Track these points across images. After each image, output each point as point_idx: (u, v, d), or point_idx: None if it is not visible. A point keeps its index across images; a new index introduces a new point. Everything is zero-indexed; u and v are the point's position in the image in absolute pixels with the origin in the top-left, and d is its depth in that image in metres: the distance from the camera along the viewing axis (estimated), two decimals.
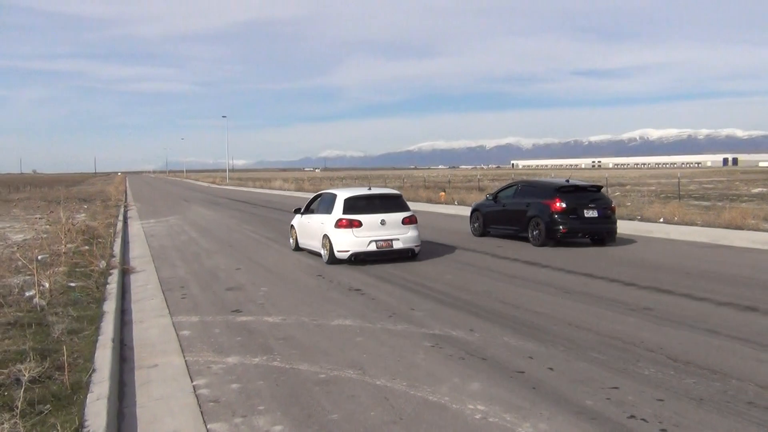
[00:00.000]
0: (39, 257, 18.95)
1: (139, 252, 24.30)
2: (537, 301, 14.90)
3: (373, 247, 20.81)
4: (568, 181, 25.92)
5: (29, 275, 16.43)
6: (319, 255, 22.11)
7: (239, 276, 18.88)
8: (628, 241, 25.55)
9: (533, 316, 13.48)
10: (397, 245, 21.06)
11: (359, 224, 20.83)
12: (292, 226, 24.39)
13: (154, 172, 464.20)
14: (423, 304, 14.83)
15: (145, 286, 17.61)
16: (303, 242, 23.29)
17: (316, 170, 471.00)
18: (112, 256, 21.24)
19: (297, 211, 24.53)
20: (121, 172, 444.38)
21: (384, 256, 20.95)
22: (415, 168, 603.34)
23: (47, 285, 14.96)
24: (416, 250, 21.48)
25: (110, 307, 14.21)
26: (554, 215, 24.40)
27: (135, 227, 34.25)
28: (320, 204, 22.36)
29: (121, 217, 38.86)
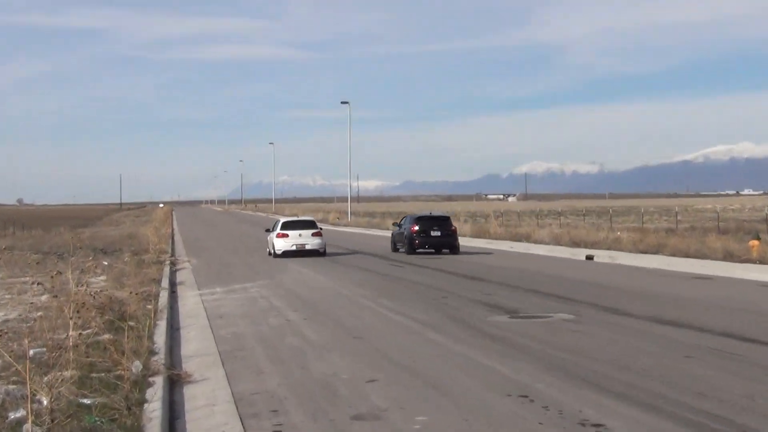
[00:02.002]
0: (32, 352, 12.84)
1: (198, 346, 16.47)
2: None
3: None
4: None
5: (16, 383, 11.53)
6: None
7: (375, 393, 12.00)
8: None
9: None
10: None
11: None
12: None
13: (218, 202, 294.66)
14: None
15: (209, 409, 11.23)
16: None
17: (510, 198, 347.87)
18: (153, 352, 14.50)
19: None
20: (164, 203, 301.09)
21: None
22: (693, 194, 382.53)
23: (45, 402, 10.46)
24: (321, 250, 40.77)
25: None
26: None
27: (190, 301, 23.96)
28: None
29: (165, 283, 26.99)
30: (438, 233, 40.81)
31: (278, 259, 38.31)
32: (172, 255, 42.00)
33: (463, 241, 45.56)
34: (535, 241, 46.58)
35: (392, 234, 44.84)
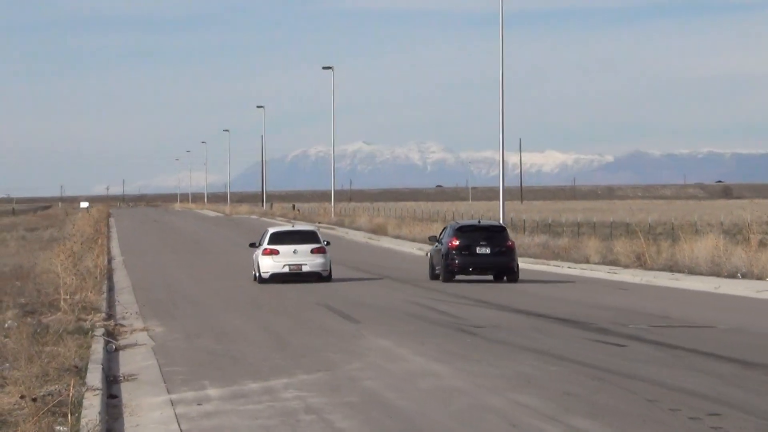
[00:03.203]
0: None
1: None
2: None
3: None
4: None
5: None
6: None
7: None
8: None
9: None
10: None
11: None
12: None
13: (206, 197, 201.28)
14: None
15: None
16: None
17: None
18: None
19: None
20: (91, 202, 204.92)
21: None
22: None
23: None
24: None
25: None
26: None
27: (151, 422, 12.00)
28: None
29: (95, 377, 14.47)
30: (486, 250, 33.38)
31: (344, 327, 21.93)
32: (110, 314, 24.42)
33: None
34: None
35: (429, 254, 36.70)
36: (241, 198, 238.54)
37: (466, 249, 33.46)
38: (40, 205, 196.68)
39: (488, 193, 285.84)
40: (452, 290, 32.46)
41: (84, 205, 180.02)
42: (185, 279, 38.99)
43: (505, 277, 34.35)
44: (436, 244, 35.41)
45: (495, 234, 34.69)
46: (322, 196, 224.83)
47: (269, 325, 23.16)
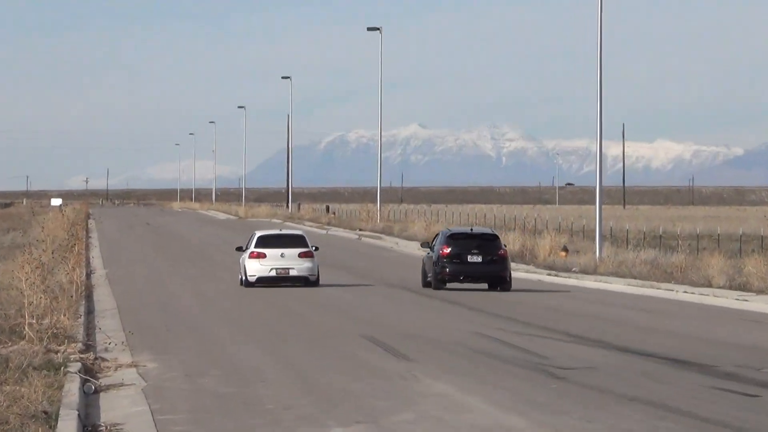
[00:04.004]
0: None
1: None
2: None
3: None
4: None
5: None
6: None
7: None
8: None
9: None
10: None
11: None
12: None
13: (214, 192, 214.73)
14: None
15: None
16: None
17: None
18: None
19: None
20: (64, 199, 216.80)
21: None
22: None
23: None
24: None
25: None
26: None
27: None
28: None
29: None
30: (478, 259, 42.22)
31: (391, 365, 22.47)
32: (89, 345, 24.98)
33: None
34: None
35: (423, 260, 45.61)
36: (259, 196, 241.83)
37: (457, 257, 42.11)
38: None
39: (580, 195, 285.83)
40: (528, 319, 33.67)
41: (56, 202, 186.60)
42: (186, 299, 40.07)
43: (498, 288, 42.73)
44: (429, 251, 44.14)
45: (487, 242, 43.25)
46: (365, 195, 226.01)
47: (293, 361, 23.65)
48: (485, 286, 43.09)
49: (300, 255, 41.32)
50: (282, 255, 41.05)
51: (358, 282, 48.82)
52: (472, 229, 48.65)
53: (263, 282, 40.91)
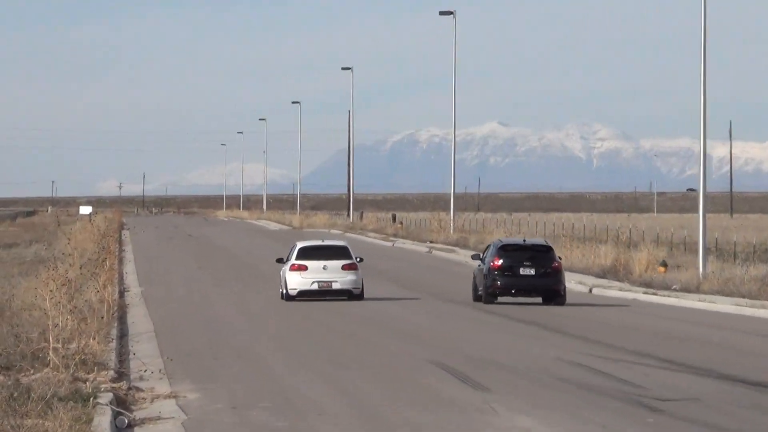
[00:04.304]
0: None
1: None
2: None
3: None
4: None
5: None
6: None
7: None
8: None
9: None
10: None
11: None
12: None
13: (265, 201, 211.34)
14: None
15: None
16: None
17: None
18: None
19: None
20: (94, 206, 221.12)
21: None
22: None
23: None
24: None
25: None
26: None
27: None
28: None
29: None
30: (531, 271, 44.74)
31: (466, 396, 22.47)
32: (121, 372, 25.19)
33: None
34: None
35: (473, 273, 47.86)
36: (316, 204, 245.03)
37: (509, 270, 44.82)
38: (21, 210, 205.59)
39: (681, 202, 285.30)
40: (616, 341, 34.70)
41: (85, 210, 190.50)
42: (230, 319, 40.94)
43: (552, 302, 45.24)
44: (479, 263, 46.75)
45: (540, 254, 46.01)
46: (436, 203, 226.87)
47: (354, 391, 23.93)
48: (539, 300, 45.75)
49: (343, 267, 43.75)
50: (324, 267, 43.49)
51: (424, 298, 50.69)
52: (524, 240, 51.18)
53: (305, 296, 43.64)
